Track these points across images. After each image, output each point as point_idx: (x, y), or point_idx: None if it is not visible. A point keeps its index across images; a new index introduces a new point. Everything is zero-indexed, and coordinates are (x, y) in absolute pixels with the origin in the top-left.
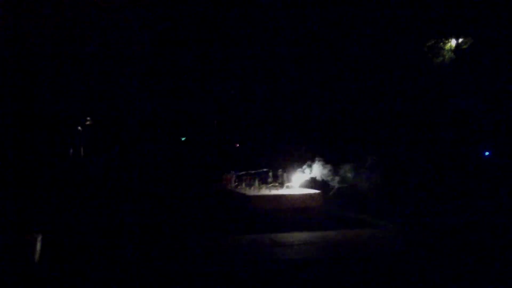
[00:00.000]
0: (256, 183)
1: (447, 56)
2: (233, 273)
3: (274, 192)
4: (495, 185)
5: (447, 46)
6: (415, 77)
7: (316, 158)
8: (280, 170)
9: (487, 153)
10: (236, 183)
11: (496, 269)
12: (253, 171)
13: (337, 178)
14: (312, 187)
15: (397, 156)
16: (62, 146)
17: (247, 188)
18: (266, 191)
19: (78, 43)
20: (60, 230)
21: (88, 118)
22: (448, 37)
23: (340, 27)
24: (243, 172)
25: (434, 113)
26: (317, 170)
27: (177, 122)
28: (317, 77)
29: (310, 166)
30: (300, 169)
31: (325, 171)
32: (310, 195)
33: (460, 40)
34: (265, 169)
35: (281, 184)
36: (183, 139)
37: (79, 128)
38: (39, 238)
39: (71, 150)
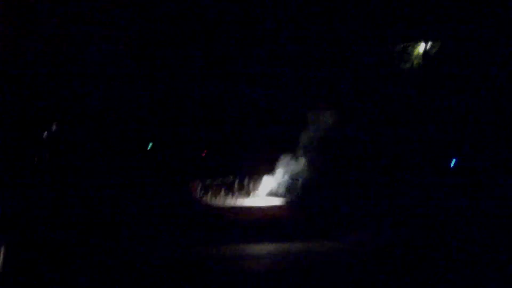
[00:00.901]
0: (222, 192)
1: (415, 61)
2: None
3: (240, 201)
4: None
5: (415, 51)
6: (383, 83)
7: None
8: (246, 178)
9: (452, 161)
10: (202, 192)
11: None
12: (219, 180)
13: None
14: (277, 195)
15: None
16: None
17: (213, 198)
18: (232, 200)
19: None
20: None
21: (54, 123)
22: (416, 41)
23: (304, 31)
24: (209, 181)
25: (402, 120)
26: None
27: (143, 129)
28: (278, 83)
29: (273, 175)
30: (266, 178)
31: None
32: (277, 206)
33: (429, 44)
34: (230, 178)
35: (248, 193)
36: (148, 146)
37: (45, 133)
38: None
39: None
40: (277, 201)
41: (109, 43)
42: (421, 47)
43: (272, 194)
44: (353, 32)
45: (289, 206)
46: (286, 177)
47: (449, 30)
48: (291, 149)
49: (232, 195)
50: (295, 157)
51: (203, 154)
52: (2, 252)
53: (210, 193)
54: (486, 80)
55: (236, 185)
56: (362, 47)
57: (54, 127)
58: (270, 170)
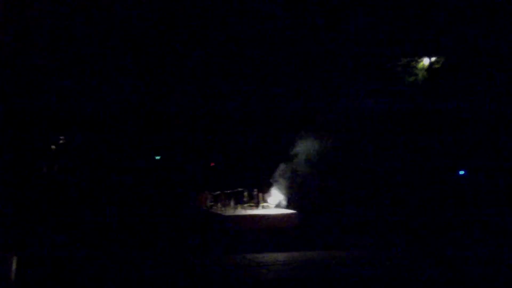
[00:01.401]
0: (232, 203)
1: (420, 75)
2: None
3: (250, 212)
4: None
5: (420, 65)
6: (388, 96)
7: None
8: (255, 189)
9: (461, 172)
10: (212, 203)
11: None
12: (228, 191)
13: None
14: (287, 207)
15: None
16: (36, 162)
17: (223, 208)
18: (242, 211)
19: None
20: (37, 248)
21: (62, 137)
22: (420, 56)
23: (308, 45)
24: (218, 192)
25: (407, 132)
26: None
27: (150, 140)
28: (287, 97)
29: (282, 186)
30: (275, 189)
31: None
32: (286, 215)
33: (433, 59)
34: (240, 189)
35: (257, 204)
36: (157, 158)
37: (53, 147)
38: (15, 258)
39: (45, 168)
40: (285, 211)
41: (116, 49)
42: (425, 61)
43: (281, 205)
44: (357, 43)
45: (298, 216)
46: (295, 188)
47: (453, 44)
48: (300, 160)
49: (241, 205)
50: (304, 168)
51: (212, 164)
52: (13, 266)
53: (219, 204)
54: (490, 92)
55: (245, 196)
56: (366, 58)
57: (61, 135)
58: (279, 181)
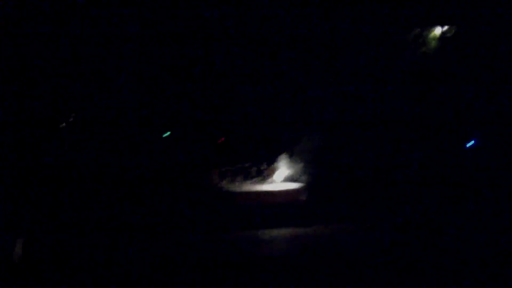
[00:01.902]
0: (239, 178)
1: (431, 45)
2: (222, 269)
3: (258, 187)
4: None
5: (432, 35)
6: (399, 66)
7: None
8: (263, 164)
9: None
10: (219, 179)
11: None
12: (235, 167)
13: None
14: (296, 180)
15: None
16: (45, 144)
17: (230, 184)
18: (249, 186)
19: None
20: (45, 231)
21: (73, 115)
22: (432, 25)
23: (316, 16)
24: (226, 168)
25: (418, 104)
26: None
27: (159, 117)
28: (300, 72)
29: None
30: (282, 163)
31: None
32: (293, 190)
33: (445, 28)
34: (247, 164)
35: (265, 179)
36: (166, 134)
37: (63, 124)
38: (20, 241)
39: (53, 149)
40: (293, 186)
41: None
42: (437, 31)
43: (289, 179)
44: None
45: (306, 190)
46: (302, 163)
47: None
48: (306, 135)
49: (249, 181)
50: (310, 143)
51: (220, 141)
52: (17, 246)
53: (226, 179)
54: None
55: (252, 171)
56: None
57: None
58: (286, 156)
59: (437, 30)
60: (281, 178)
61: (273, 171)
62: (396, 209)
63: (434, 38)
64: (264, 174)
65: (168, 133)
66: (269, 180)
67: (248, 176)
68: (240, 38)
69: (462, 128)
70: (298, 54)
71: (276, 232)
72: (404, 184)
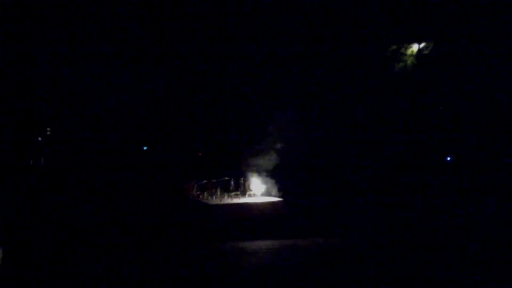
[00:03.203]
0: (218, 191)
1: (408, 61)
2: (204, 281)
3: (236, 200)
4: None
5: (409, 51)
6: (376, 82)
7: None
8: (241, 178)
9: (448, 158)
10: (198, 192)
11: None
12: (214, 180)
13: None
14: (273, 195)
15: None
16: (24, 154)
17: (209, 197)
18: (228, 199)
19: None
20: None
21: (48, 129)
22: (409, 42)
23: (297, 30)
24: (205, 181)
25: (395, 118)
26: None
27: (139, 130)
28: (273, 86)
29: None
30: (260, 177)
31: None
32: (271, 203)
33: (422, 45)
34: (226, 178)
35: (243, 192)
36: (144, 148)
37: (39, 138)
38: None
39: (31, 160)
40: (272, 199)
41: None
42: (414, 47)
43: (267, 194)
44: (349, 32)
45: (283, 203)
46: (281, 177)
47: (442, 31)
48: (286, 150)
49: (228, 194)
50: (290, 157)
51: (199, 154)
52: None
53: (205, 192)
54: (482, 80)
55: (231, 185)
56: (357, 48)
57: (54, 130)
58: (265, 170)
59: (415, 47)
60: (260, 192)
61: (251, 185)
62: (374, 219)
63: (412, 54)
64: (243, 187)
65: (145, 148)
66: (248, 193)
67: (227, 189)
68: (220, 54)
69: (437, 141)
70: (279, 75)
71: (256, 245)
72: (382, 194)
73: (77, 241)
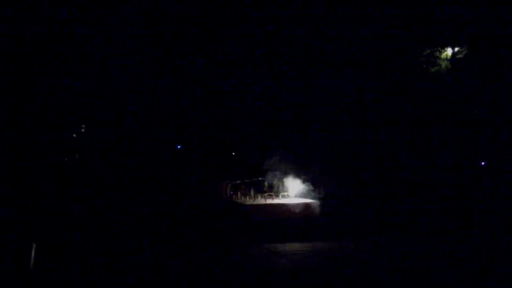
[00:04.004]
0: (252, 192)
1: (443, 65)
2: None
3: (270, 201)
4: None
5: (443, 55)
6: (412, 85)
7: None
8: (275, 179)
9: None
10: (232, 192)
11: None
12: (248, 180)
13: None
14: (307, 196)
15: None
16: (58, 152)
17: (243, 198)
18: (262, 200)
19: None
20: (57, 236)
21: (83, 126)
22: (444, 46)
23: (337, 36)
24: (238, 181)
25: (431, 121)
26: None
27: (173, 130)
28: (314, 87)
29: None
30: (295, 179)
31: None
32: (305, 204)
33: (456, 49)
34: (260, 178)
35: (277, 193)
36: (178, 147)
37: (74, 135)
38: (34, 246)
39: (66, 158)
40: (305, 201)
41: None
42: (448, 51)
43: (301, 195)
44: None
45: (317, 205)
46: (316, 178)
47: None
48: (322, 151)
49: (261, 195)
50: (325, 159)
51: (233, 154)
52: (33, 250)
53: (239, 193)
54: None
55: (265, 186)
56: (390, 49)
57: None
58: (299, 171)
59: (449, 51)
60: (294, 193)
61: (285, 186)
62: (409, 223)
63: (446, 58)
64: (276, 188)
65: (179, 147)
66: (282, 194)
67: (261, 189)
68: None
69: (468, 144)
70: (306, 73)
71: (288, 247)
72: (416, 198)
73: (112, 238)
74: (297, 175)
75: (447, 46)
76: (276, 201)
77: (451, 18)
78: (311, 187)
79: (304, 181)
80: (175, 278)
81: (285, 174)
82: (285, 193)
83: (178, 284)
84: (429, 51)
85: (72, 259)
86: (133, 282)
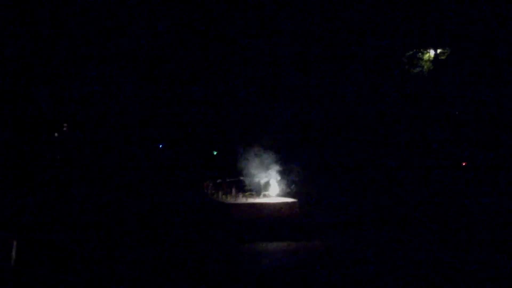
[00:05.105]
0: (233, 191)
1: (425, 67)
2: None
3: (251, 200)
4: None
5: (426, 57)
6: (392, 86)
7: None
8: (256, 178)
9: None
10: (213, 191)
11: None
12: (229, 179)
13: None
14: (287, 195)
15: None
16: (41, 151)
17: (224, 196)
18: (243, 199)
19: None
20: (38, 233)
21: (65, 125)
22: (426, 48)
23: (319, 37)
24: (220, 180)
25: (413, 122)
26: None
27: (156, 130)
28: (295, 89)
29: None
30: (276, 178)
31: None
32: (286, 204)
33: (439, 51)
34: (241, 177)
35: (258, 192)
36: (160, 146)
37: (56, 134)
38: (15, 244)
39: (49, 156)
40: (287, 200)
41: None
42: (431, 53)
43: (281, 194)
44: (364, 36)
45: (298, 204)
46: (295, 178)
47: (458, 36)
48: (299, 153)
49: (243, 194)
50: (304, 158)
51: (214, 153)
52: (14, 248)
53: (220, 192)
54: (496, 84)
55: (246, 185)
56: (373, 51)
57: (61, 130)
58: (279, 171)
59: (431, 52)
60: (275, 192)
61: (266, 185)
62: (389, 222)
63: (429, 59)
64: (258, 187)
65: (160, 145)
66: (263, 193)
67: (242, 189)
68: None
69: (450, 146)
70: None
71: (272, 246)
72: (398, 195)
73: (92, 237)
74: (278, 174)
75: (429, 47)
76: (257, 200)
77: (434, 20)
78: (292, 186)
79: (285, 180)
80: (155, 276)
81: (267, 173)
82: (266, 192)
83: (159, 281)
84: (411, 52)
85: (54, 256)
86: (114, 280)
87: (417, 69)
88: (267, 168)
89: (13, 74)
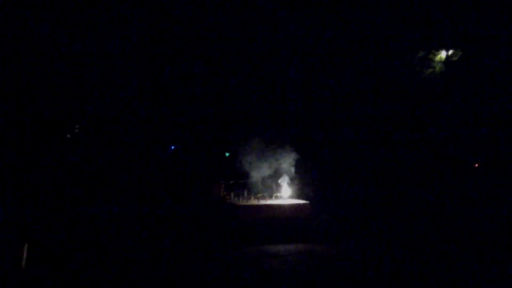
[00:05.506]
0: (245, 193)
1: (437, 68)
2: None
3: (264, 202)
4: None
5: (437, 58)
6: (405, 88)
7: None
8: (269, 180)
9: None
10: (225, 193)
11: None
12: (241, 181)
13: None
14: (300, 197)
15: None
16: (52, 152)
17: (236, 198)
18: (255, 201)
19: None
20: (49, 236)
21: (77, 126)
22: (438, 49)
23: (331, 38)
24: (232, 182)
25: (424, 123)
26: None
27: (167, 131)
28: (305, 91)
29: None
30: (287, 180)
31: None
32: (299, 206)
33: (450, 52)
34: (253, 179)
35: (270, 194)
36: (172, 147)
37: (68, 135)
38: (26, 247)
39: (59, 156)
40: (298, 202)
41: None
42: (442, 54)
43: (294, 196)
44: (378, 38)
45: (310, 206)
46: (306, 180)
47: (470, 37)
48: (312, 155)
49: (255, 195)
50: (318, 160)
51: (227, 154)
52: (25, 251)
53: (232, 193)
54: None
55: (259, 186)
56: (385, 53)
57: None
58: (292, 173)
59: (443, 54)
60: (287, 194)
61: (278, 187)
62: (399, 224)
63: (440, 60)
64: (270, 189)
65: (173, 147)
66: (275, 195)
67: (254, 191)
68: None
69: (460, 148)
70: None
71: (282, 248)
72: (412, 199)
73: (104, 238)
74: (291, 176)
75: (441, 48)
76: (269, 202)
77: (445, 21)
78: (304, 188)
79: (297, 182)
80: (167, 278)
81: (278, 175)
82: (278, 194)
83: (170, 284)
84: (423, 53)
85: (64, 258)
86: (126, 282)
87: (430, 70)
88: (280, 169)
89: (23, 76)
